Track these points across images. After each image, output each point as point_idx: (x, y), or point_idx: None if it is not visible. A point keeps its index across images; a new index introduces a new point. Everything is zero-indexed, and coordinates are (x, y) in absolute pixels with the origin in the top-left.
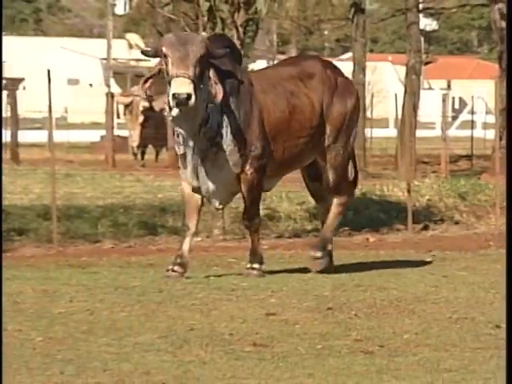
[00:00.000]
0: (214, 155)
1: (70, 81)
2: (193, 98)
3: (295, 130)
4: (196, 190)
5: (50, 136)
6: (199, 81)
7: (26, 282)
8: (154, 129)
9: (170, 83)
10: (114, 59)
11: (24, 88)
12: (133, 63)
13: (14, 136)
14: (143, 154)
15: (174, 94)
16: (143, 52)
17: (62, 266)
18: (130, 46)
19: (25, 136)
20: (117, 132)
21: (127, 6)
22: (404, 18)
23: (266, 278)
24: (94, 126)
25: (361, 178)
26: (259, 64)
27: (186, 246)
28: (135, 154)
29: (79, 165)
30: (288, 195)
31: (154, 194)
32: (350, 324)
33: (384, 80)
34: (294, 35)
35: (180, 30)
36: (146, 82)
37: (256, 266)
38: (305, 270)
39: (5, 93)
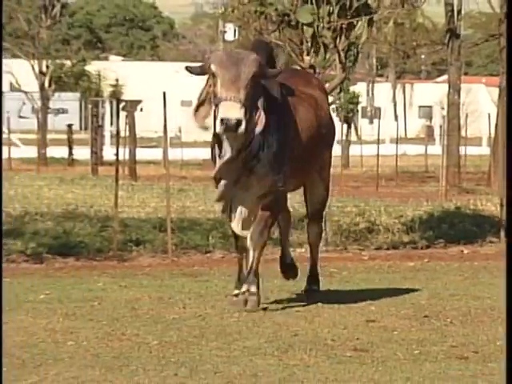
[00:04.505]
0: (246, 177)
1: (183, 102)
2: (243, 124)
3: (314, 147)
4: (225, 209)
5: (165, 154)
6: (250, 103)
7: (143, 290)
8: None
9: (217, 106)
10: None
11: (141, 109)
12: None
13: (132, 154)
14: None
15: (222, 120)
16: (188, 69)
17: (176, 275)
18: None
19: (142, 154)
20: None
21: (237, 33)
22: (497, 42)
23: (365, 288)
24: (206, 144)
25: (455, 193)
26: (359, 86)
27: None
28: None
29: (192, 180)
30: (387, 209)
31: None
32: (446, 331)
33: (478, 101)
34: (392, 59)
35: (286, 54)
36: (197, 109)
37: (253, 289)
38: (403, 280)
39: (123, 114)
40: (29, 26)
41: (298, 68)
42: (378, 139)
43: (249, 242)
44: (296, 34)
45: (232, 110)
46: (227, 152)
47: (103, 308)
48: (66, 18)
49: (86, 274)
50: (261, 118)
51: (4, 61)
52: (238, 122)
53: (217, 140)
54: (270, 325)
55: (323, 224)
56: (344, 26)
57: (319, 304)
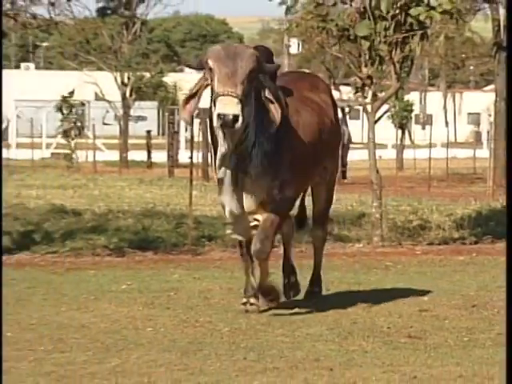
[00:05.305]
0: (244, 177)
1: None
2: (240, 119)
3: (317, 153)
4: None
5: None
6: (247, 99)
7: (215, 281)
8: None
9: (215, 101)
10: None
11: None
12: None
13: (205, 157)
14: None
15: (219, 115)
16: (187, 64)
17: None
18: None
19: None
20: None
21: (300, 47)
22: None
23: (419, 280)
24: None
25: (502, 193)
26: (413, 95)
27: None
28: None
29: None
30: (438, 208)
31: None
32: (493, 320)
33: None
34: (443, 70)
35: (345, 66)
36: (187, 102)
37: (253, 300)
38: (453, 273)
39: (197, 120)
40: (112, 42)
41: (307, 71)
42: (430, 144)
43: (252, 255)
44: (355, 47)
45: (229, 106)
46: (223, 147)
47: (179, 298)
48: (145, 33)
49: (163, 266)
50: (276, 112)
51: (89, 73)
52: (235, 118)
53: (212, 136)
54: (331, 313)
55: (379, 222)
56: (399, 40)
57: (375, 295)
